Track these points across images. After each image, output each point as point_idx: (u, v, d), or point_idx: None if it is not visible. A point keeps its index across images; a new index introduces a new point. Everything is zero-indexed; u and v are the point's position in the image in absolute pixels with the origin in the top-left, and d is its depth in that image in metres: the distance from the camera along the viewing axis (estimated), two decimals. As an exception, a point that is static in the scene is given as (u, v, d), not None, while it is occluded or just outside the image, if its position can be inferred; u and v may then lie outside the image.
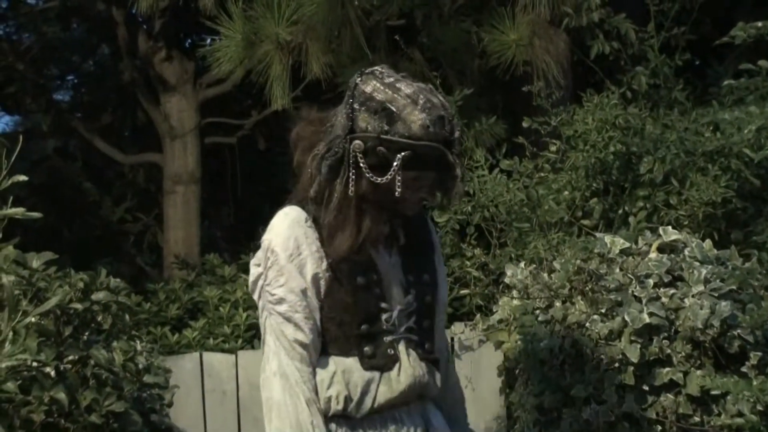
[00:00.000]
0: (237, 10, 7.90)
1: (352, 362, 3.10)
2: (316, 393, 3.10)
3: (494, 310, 5.70)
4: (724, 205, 5.94)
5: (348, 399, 3.10)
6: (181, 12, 12.14)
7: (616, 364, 4.81)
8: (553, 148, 6.36)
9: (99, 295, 4.86)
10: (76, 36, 17.74)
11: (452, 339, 6.50)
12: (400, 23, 8.55)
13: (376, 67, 3.09)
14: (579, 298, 5.10)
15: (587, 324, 4.96)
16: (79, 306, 4.67)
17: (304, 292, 3.07)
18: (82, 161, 17.02)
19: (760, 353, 4.65)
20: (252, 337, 8.18)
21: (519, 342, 5.31)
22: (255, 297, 3.19)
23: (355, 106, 2.98)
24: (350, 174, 3.01)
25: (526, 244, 5.93)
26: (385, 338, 3.12)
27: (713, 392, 4.61)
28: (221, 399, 7.14)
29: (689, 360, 4.73)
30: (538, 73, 6.97)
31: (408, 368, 3.15)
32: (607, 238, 5.26)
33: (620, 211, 6.07)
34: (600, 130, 6.10)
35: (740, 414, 4.55)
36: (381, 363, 3.12)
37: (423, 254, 3.30)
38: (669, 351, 4.74)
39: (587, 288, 5.09)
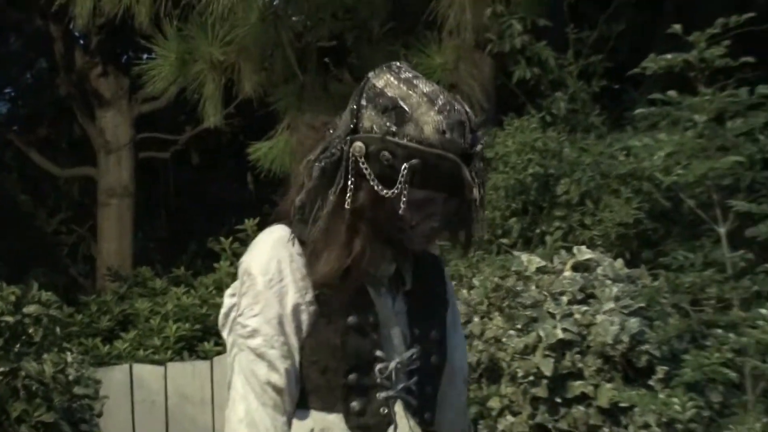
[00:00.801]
0: (172, 29, 7.92)
1: (335, 420, 2.49)
2: None
3: (416, 325, 5.75)
4: (635, 225, 6.02)
5: None
6: (117, 29, 12.13)
7: (531, 377, 4.86)
8: (475, 169, 6.42)
9: (30, 308, 4.88)
10: (13, 50, 17.62)
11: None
12: (330, 44, 8.62)
13: (394, 62, 2.53)
14: (496, 313, 5.17)
15: (504, 339, 5.02)
16: (10, 318, 4.70)
17: (282, 325, 2.49)
18: (18, 173, 16.91)
19: (666, 367, 4.73)
20: (181, 349, 8.20)
21: (440, 354, 5.36)
22: (224, 334, 2.62)
23: (363, 102, 2.45)
24: (348, 182, 2.42)
25: (447, 262, 5.98)
26: (378, 394, 2.50)
27: (622, 404, 4.68)
28: (150, 409, 7.14)
29: (600, 374, 4.79)
30: (462, 96, 7.03)
31: None
32: (524, 257, 5.34)
33: (538, 231, 6.12)
34: (520, 152, 6.17)
35: (646, 425, 4.64)
36: (371, 423, 2.50)
37: (433, 307, 2.65)
38: (581, 365, 4.80)
39: (504, 304, 5.16)
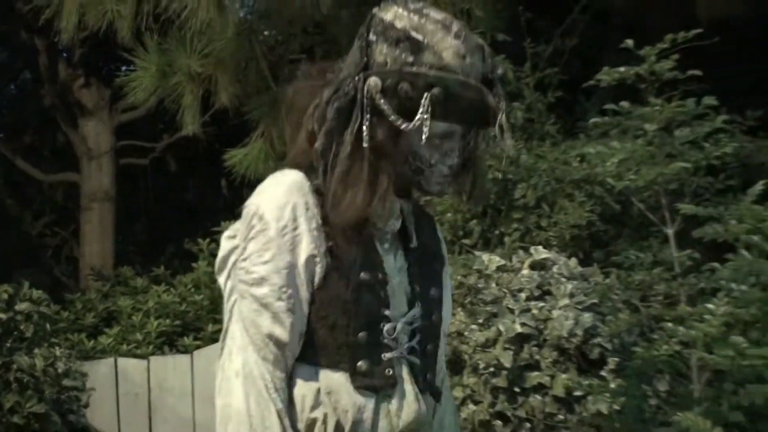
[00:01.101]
0: (152, 43, 7.90)
1: (340, 378, 2.26)
2: (290, 408, 2.26)
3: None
4: (588, 227, 6.04)
5: (339, 428, 2.27)
6: (100, 42, 12.11)
7: (492, 369, 4.89)
8: (437, 174, 6.41)
9: (22, 306, 4.88)
10: (-1, 61, 17.57)
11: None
12: (301, 57, 8.63)
13: None
14: (459, 309, 5.17)
15: (466, 333, 5.03)
16: (2, 315, 4.70)
17: (293, 275, 2.23)
18: (4, 179, 16.83)
19: (617, 359, 4.76)
20: (162, 343, 8.20)
21: (406, 349, 5.38)
22: (221, 279, 2.35)
23: (371, 37, 2.21)
24: (364, 120, 2.19)
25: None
26: (383, 354, 2.29)
27: (576, 393, 4.73)
28: (134, 401, 7.15)
29: (556, 365, 4.81)
30: (426, 105, 7.02)
31: (412, 402, 2.34)
32: (485, 256, 5.36)
33: (497, 232, 6.13)
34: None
35: (599, 413, 4.68)
36: (376, 384, 2.29)
37: (432, 265, 2.46)
38: (538, 357, 4.82)
39: (467, 300, 5.18)
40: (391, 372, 2.29)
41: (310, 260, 2.23)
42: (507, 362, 4.82)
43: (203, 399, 6.87)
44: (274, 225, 2.22)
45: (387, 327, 2.29)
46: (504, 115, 2.21)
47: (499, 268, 5.26)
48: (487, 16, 6.94)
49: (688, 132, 4.24)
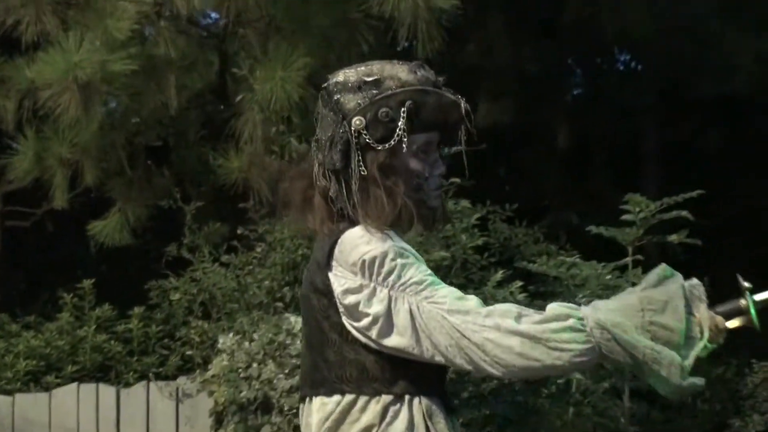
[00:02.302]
0: (31, 132, 7.77)
1: (437, 402, 2.07)
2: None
3: (209, 368, 5.69)
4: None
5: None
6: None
7: (294, 410, 4.87)
8: (259, 249, 6.40)
9: None
10: None
11: (177, 389, 6.45)
12: (157, 144, 8.56)
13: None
14: (270, 361, 5.17)
15: (275, 381, 5.04)
16: None
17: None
18: None
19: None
20: (29, 380, 7.90)
21: (226, 392, 5.32)
22: (358, 323, 2.02)
23: (335, 97, 2.10)
24: (358, 154, 2.06)
25: (235, 319, 5.93)
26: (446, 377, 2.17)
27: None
28: (1, 432, 6.87)
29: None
30: (253, 193, 7.00)
31: None
32: (293, 318, 5.36)
33: (294, 296, 6.13)
34: (293, 238, 6.18)
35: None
36: (450, 407, 2.15)
37: None
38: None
39: (277, 354, 5.17)
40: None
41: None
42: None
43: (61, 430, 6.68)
44: (402, 259, 2.02)
45: None
46: (465, 104, 2.11)
47: (304, 328, 5.24)
48: (302, 122, 6.94)
49: (449, 227, 4.32)
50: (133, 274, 9.44)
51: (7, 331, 9.33)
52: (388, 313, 1.98)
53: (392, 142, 2.05)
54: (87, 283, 8.29)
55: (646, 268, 4.85)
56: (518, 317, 1.95)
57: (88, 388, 6.89)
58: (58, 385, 7.45)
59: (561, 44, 10.69)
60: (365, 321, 2.00)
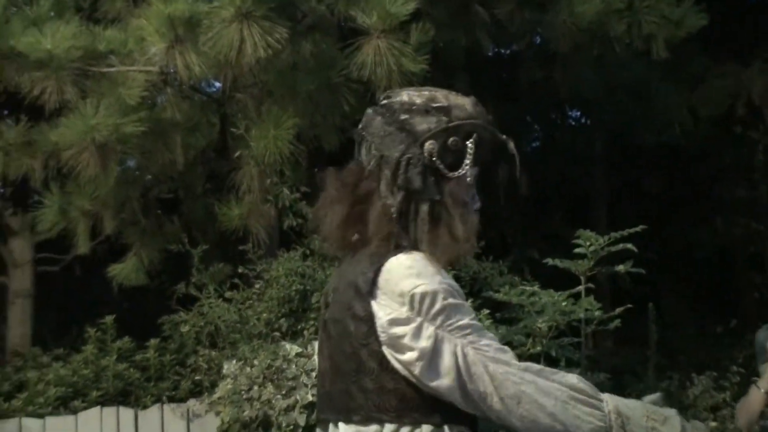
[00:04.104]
0: (56, 188, 7.77)
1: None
2: None
3: (216, 391, 5.63)
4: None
5: None
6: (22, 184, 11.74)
7: (291, 427, 4.83)
8: (257, 286, 6.37)
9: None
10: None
11: (188, 410, 6.38)
12: (168, 196, 8.56)
13: (385, 94, 1.96)
14: (269, 383, 5.12)
15: (273, 401, 4.98)
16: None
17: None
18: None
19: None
20: (59, 405, 7.84)
21: (230, 412, 5.26)
22: (399, 353, 1.81)
23: (402, 117, 1.86)
24: (431, 178, 1.85)
25: (238, 348, 5.89)
26: None
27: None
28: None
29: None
30: (252, 237, 6.98)
31: None
32: (288, 346, 5.32)
33: (299, 327, 6.09)
34: (288, 275, 6.16)
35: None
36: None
37: None
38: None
39: (275, 377, 5.12)
40: None
41: None
42: (302, 422, 4.80)
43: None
44: (454, 299, 1.83)
45: None
46: (512, 145, 1.95)
47: (298, 354, 5.22)
48: (294, 174, 6.92)
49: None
50: (149, 310, 9.36)
51: (39, 363, 9.33)
52: (434, 352, 1.78)
53: (461, 171, 1.87)
54: (109, 318, 8.26)
55: (598, 295, 4.84)
56: (551, 375, 1.82)
57: (110, 411, 6.84)
58: (84, 408, 7.43)
59: (520, 103, 10.76)
60: (409, 355, 1.79)
